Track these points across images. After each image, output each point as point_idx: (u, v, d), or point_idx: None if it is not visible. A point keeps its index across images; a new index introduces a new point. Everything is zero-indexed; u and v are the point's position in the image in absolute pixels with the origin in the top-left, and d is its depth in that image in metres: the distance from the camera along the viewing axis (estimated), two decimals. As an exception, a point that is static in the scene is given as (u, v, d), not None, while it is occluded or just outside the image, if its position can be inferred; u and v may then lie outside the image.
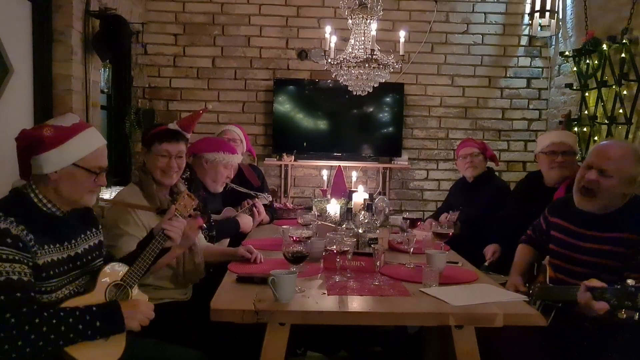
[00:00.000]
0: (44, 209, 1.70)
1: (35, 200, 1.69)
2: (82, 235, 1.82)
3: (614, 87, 3.75)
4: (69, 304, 1.63)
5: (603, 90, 3.92)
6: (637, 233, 2.04)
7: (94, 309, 1.62)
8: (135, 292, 1.83)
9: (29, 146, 1.69)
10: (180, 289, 2.44)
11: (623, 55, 3.66)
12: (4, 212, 1.58)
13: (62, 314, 1.56)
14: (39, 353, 1.51)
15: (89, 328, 1.58)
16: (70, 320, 1.56)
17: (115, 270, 1.79)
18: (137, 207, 2.33)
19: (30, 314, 1.51)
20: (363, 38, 3.17)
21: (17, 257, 1.54)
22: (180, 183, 2.61)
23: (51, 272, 1.64)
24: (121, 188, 4.01)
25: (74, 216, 1.80)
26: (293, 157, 4.85)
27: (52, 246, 1.67)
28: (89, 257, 1.82)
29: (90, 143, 1.76)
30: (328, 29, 3.32)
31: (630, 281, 1.73)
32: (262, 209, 3.43)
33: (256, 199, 3.44)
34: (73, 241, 1.76)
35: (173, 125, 2.55)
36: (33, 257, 1.58)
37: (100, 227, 1.95)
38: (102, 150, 1.80)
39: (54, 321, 1.53)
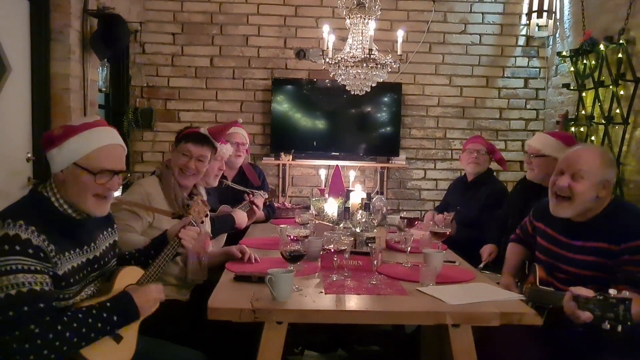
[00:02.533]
0: (63, 212, 1.67)
1: (56, 204, 1.66)
2: (100, 236, 1.82)
3: (610, 87, 3.76)
4: (85, 304, 1.64)
5: (600, 90, 3.93)
6: (615, 243, 2.00)
7: (108, 304, 1.63)
8: None
9: (43, 145, 1.70)
10: (181, 289, 2.45)
11: (620, 55, 3.67)
12: (25, 221, 1.53)
13: (80, 315, 1.56)
14: (63, 357, 1.52)
15: (107, 324, 1.60)
16: (90, 320, 1.56)
17: (131, 274, 1.81)
18: (155, 210, 2.36)
19: (53, 322, 1.50)
20: (361, 38, 3.18)
21: (38, 268, 1.52)
22: (201, 187, 2.68)
23: (71, 280, 1.64)
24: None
25: (92, 217, 1.78)
26: (291, 156, 4.85)
27: (72, 252, 1.66)
28: (106, 259, 1.83)
29: (93, 141, 1.69)
30: (326, 28, 3.32)
31: (612, 291, 1.70)
32: (260, 205, 3.44)
33: (253, 197, 3.43)
34: (92, 244, 1.76)
35: (204, 130, 2.66)
36: (54, 267, 1.57)
37: (115, 226, 1.95)
38: (109, 150, 1.72)
39: (75, 325, 1.53)
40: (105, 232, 1.85)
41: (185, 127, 2.74)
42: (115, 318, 1.61)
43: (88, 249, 1.74)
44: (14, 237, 1.50)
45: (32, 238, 1.52)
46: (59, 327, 1.49)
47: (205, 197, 2.63)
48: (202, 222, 2.14)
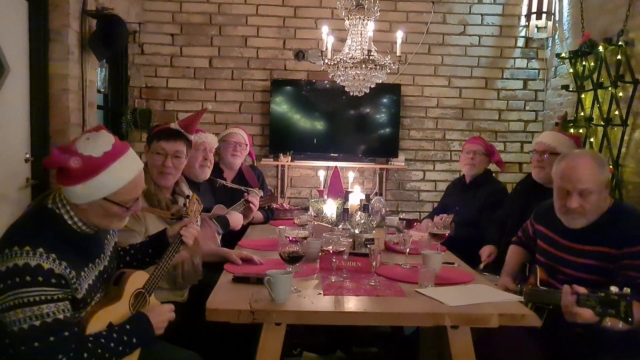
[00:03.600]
0: (76, 229, 1.64)
1: (70, 222, 1.62)
2: (106, 242, 1.81)
3: (609, 88, 3.76)
4: (100, 315, 1.63)
5: (599, 91, 3.93)
6: (615, 247, 2.01)
7: (128, 327, 1.64)
8: (152, 299, 1.85)
9: (57, 173, 1.61)
10: (177, 291, 2.43)
11: (619, 57, 3.67)
12: (44, 248, 1.49)
13: (102, 340, 1.57)
14: None
15: (127, 347, 1.62)
16: (112, 344, 1.58)
17: (138, 279, 1.81)
18: (153, 212, 2.33)
19: (78, 350, 1.50)
20: (360, 39, 3.17)
21: (61, 296, 1.51)
22: (184, 184, 2.60)
23: (88, 300, 1.63)
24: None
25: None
26: (290, 157, 4.85)
27: (86, 269, 1.64)
28: (112, 265, 1.83)
29: (122, 176, 1.63)
30: (325, 29, 3.32)
31: (613, 288, 1.71)
32: (256, 202, 3.41)
33: (248, 195, 3.41)
34: (102, 255, 1.75)
35: (174, 125, 2.55)
36: (73, 292, 1.56)
37: None
38: (137, 180, 1.68)
39: (99, 350, 1.54)
40: (109, 236, 1.84)
41: (155, 125, 2.67)
42: (134, 340, 1.64)
43: (99, 261, 1.73)
44: (35, 267, 1.47)
45: (54, 267, 1.49)
46: (85, 355, 1.50)
47: (188, 194, 2.54)
48: (198, 222, 2.13)
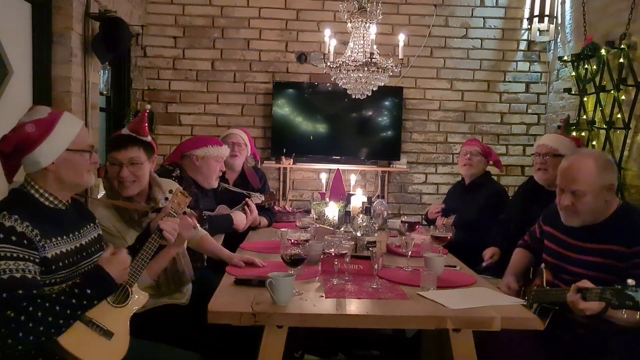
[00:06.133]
0: (47, 203, 1.72)
1: (37, 195, 1.71)
2: (85, 228, 1.86)
3: (612, 92, 3.76)
4: None
5: (601, 95, 3.93)
6: (627, 245, 2.01)
7: (79, 280, 1.66)
8: (135, 290, 1.84)
9: (17, 149, 1.69)
10: (175, 293, 2.42)
11: (621, 60, 3.67)
12: (7, 211, 1.59)
13: (53, 295, 1.59)
14: (42, 339, 1.54)
15: (82, 298, 1.61)
16: (63, 298, 1.58)
17: None
18: (131, 206, 2.30)
19: (26, 305, 1.52)
20: (362, 42, 3.18)
21: (21, 255, 1.56)
22: (158, 189, 2.44)
23: (60, 264, 1.67)
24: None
25: (74, 210, 1.84)
26: (292, 160, 4.85)
27: (59, 238, 1.70)
28: (92, 249, 1.86)
29: (73, 125, 1.78)
30: (327, 32, 3.32)
31: (630, 281, 1.72)
32: (254, 207, 3.41)
33: (248, 199, 3.42)
34: (77, 233, 1.80)
35: (125, 131, 2.40)
36: (41, 252, 1.61)
37: (97, 221, 1.98)
38: (85, 129, 1.83)
39: (47, 304, 1.55)
40: (89, 226, 1.89)
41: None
42: (88, 291, 1.62)
43: (74, 237, 1.77)
44: None
45: (15, 225, 1.57)
46: (31, 309, 1.51)
47: (162, 199, 2.37)
48: (185, 213, 2.11)
